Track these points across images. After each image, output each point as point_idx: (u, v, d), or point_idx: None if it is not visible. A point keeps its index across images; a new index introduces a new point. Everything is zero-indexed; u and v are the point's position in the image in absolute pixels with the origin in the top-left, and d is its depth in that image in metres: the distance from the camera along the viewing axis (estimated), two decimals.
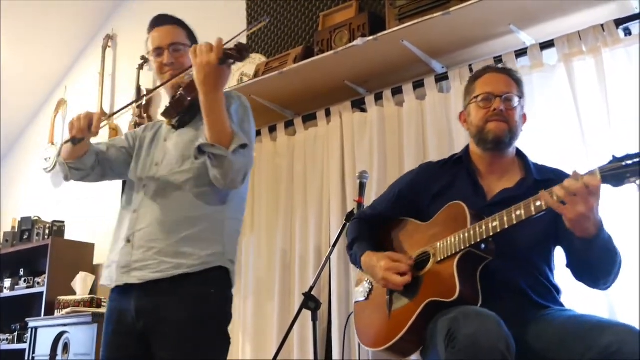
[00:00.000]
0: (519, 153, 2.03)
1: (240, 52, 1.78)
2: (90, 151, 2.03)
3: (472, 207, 1.83)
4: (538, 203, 1.61)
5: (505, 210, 1.68)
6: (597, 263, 1.70)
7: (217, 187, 1.88)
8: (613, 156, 1.51)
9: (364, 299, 2.08)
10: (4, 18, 4.80)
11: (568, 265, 1.84)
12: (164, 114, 2.04)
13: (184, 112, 2.02)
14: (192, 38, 2.13)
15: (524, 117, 2.03)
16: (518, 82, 2.01)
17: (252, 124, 2.02)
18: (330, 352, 2.95)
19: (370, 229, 2.15)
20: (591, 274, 1.77)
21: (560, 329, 1.63)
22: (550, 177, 1.88)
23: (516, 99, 1.96)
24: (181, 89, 1.97)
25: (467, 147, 2.07)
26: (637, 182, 1.45)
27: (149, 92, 1.94)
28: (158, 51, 2.06)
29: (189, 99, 1.95)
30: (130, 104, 2.01)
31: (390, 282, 1.87)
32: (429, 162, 2.17)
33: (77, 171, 2.04)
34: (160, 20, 2.11)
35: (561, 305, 1.84)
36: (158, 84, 2.13)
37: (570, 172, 1.59)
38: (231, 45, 1.82)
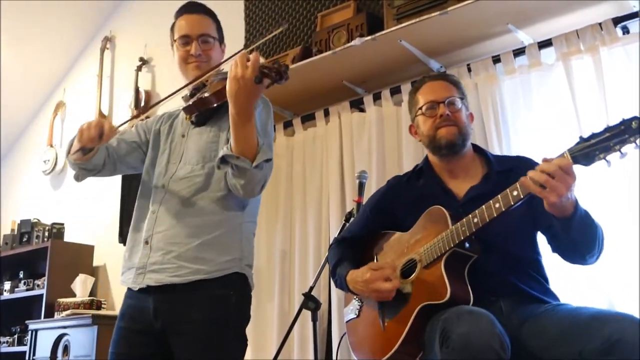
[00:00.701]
0: (476, 149, 2.04)
1: (279, 74, 1.63)
2: (100, 149, 1.96)
3: (449, 210, 1.84)
4: (515, 192, 1.63)
5: (484, 205, 1.69)
6: (580, 239, 1.71)
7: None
8: (580, 137, 1.55)
9: (355, 316, 2.06)
10: (3, 19, 4.80)
11: (554, 250, 1.85)
12: (187, 110, 1.95)
13: (206, 111, 1.96)
14: (221, 32, 2.07)
15: (470, 116, 2.04)
16: (457, 85, 2.03)
17: (272, 126, 2.00)
18: (330, 352, 2.95)
19: (350, 250, 2.13)
20: (576, 251, 1.77)
21: (559, 324, 1.63)
22: (513, 165, 1.90)
23: (458, 101, 1.98)
24: (209, 91, 1.89)
25: (427, 158, 2.07)
26: (606, 157, 1.49)
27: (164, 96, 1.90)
28: (186, 39, 1.98)
29: (215, 105, 1.88)
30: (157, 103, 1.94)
31: (380, 290, 1.84)
32: (397, 176, 2.16)
33: (88, 171, 2.00)
34: (192, 8, 2.04)
35: (553, 294, 1.85)
36: (184, 74, 2.01)
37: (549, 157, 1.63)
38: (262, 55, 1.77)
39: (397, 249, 1.97)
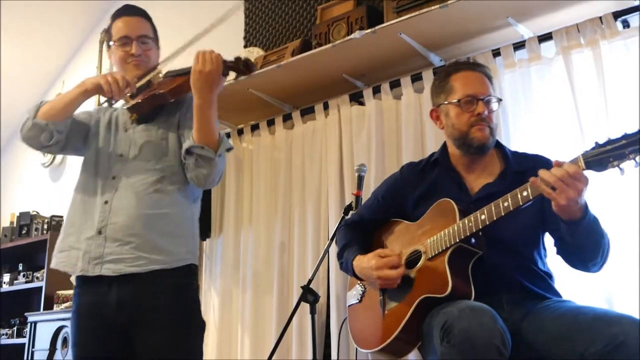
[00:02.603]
0: (496, 144, 2.01)
1: (247, 67, 1.91)
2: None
3: (459, 205, 1.84)
4: (524, 193, 1.63)
5: (492, 203, 1.69)
6: (585, 244, 1.71)
7: (188, 185, 1.98)
8: (595, 142, 1.53)
9: (357, 301, 2.08)
10: (2, 13, 4.79)
11: (558, 252, 1.85)
12: (133, 108, 2.02)
13: (154, 109, 2.04)
14: (156, 33, 2.16)
15: None
16: (491, 80, 2.00)
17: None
18: (328, 345, 2.95)
19: (358, 234, 2.15)
20: (579, 256, 1.77)
21: (561, 322, 1.63)
22: (530, 166, 1.89)
23: (495, 101, 1.95)
24: (162, 88, 1.99)
25: (444, 148, 2.04)
26: (620, 165, 1.47)
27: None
28: (125, 40, 2.07)
29: (172, 100, 2.00)
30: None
31: (385, 278, 1.86)
32: (411, 163, 2.15)
33: (59, 134, 2.01)
34: (129, 11, 2.13)
35: (556, 292, 1.85)
36: (115, 71, 2.10)
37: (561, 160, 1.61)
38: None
39: (403, 239, 1.98)
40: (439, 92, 2.02)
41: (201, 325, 1.99)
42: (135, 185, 1.95)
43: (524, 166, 1.92)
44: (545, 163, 1.88)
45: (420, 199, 1.99)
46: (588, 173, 1.55)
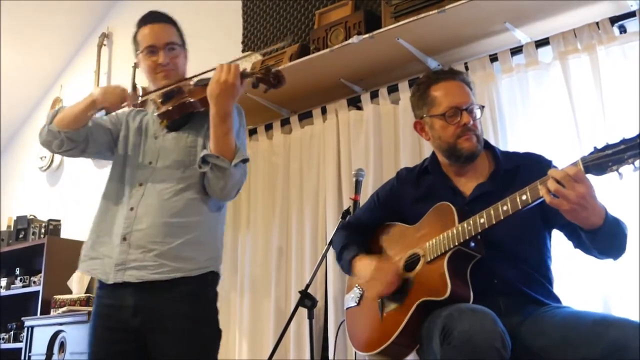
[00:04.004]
0: (485, 145, 2.00)
1: (277, 79, 1.89)
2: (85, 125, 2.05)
3: (457, 207, 1.84)
4: (524, 197, 1.62)
5: (492, 206, 1.69)
6: (608, 246, 1.70)
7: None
8: (594, 147, 1.53)
9: (355, 304, 2.07)
10: (1, 16, 4.79)
11: (576, 246, 1.84)
12: (164, 115, 2.02)
13: (184, 117, 2.03)
14: (183, 38, 2.13)
15: None
16: (470, 86, 1.98)
17: (245, 133, 2.11)
18: (326, 350, 2.95)
19: (356, 236, 2.15)
20: (602, 254, 1.76)
21: (560, 326, 1.62)
22: (521, 163, 1.89)
23: (477, 109, 1.94)
24: (192, 97, 1.99)
25: (434, 157, 2.04)
26: (619, 170, 1.47)
27: (146, 92, 1.96)
28: (152, 49, 2.04)
29: (202, 110, 1.98)
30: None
31: (381, 285, 1.89)
32: (406, 168, 2.15)
33: (71, 142, 2.03)
34: (155, 17, 2.09)
35: (555, 297, 1.85)
36: (148, 82, 2.12)
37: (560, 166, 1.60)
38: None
39: (402, 242, 1.98)
40: (421, 105, 1.99)
41: (218, 333, 1.96)
42: (162, 192, 1.95)
43: (515, 163, 1.92)
44: (537, 160, 1.89)
45: (417, 202, 1.99)
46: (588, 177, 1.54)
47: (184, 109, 2.00)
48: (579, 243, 1.82)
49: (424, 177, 2.04)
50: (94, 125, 2.09)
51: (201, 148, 1.99)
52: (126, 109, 2.18)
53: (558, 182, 1.53)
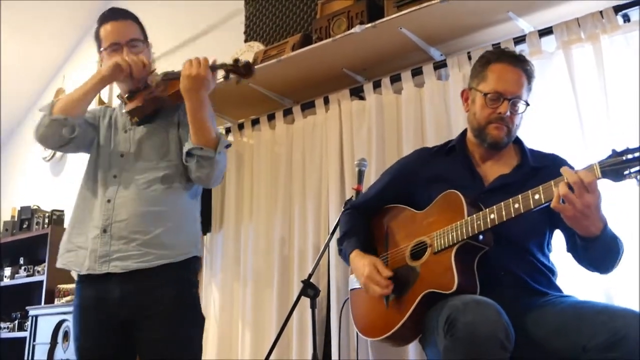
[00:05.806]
0: (514, 139, 2.00)
1: (247, 69, 1.96)
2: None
3: (470, 194, 1.83)
4: (537, 196, 1.61)
5: (503, 203, 1.68)
6: (600, 259, 1.71)
7: (188, 183, 2.03)
8: (613, 150, 1.50)
9: (360, 286, 2.09)
10: (2, 6, 4.78)
11: (569, 251, 1.85)
12: (136, 111, 2.05)
13: (155, 111, 2.07)
14: (144, 33, 2.15)
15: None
16: (529, 79, 1.94)
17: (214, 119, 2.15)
18: (329, 339, 2.96)
19: (362, 221, 2.15)
20: (591, 266, 1.78)
21: (563, 315, 1.63)
22: (546, 164, 1.88)
23: (522, 105, 1.91)
24: (162, 91, 2.03)
25: (463, 135, 2.05)
26: (638, 177, 1.44)
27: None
28: (115, 47, 2.06)
29: (176, 104, 2.04)
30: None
31: (369, 290, 1.91)
32: (424, 148, 2.16)
33: (79, 127, 2.03)
34: (117, 14, 2.11)
35: (558, 289, 1.85)
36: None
37: (567, 159, 1.59)
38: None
39: (409, 228, 1.97)
40: (475, 76, 1.98)
41: (202, 318, 2.02)
42: (138, 183, 1.99)
43: (542, 163, 1.91)
44: (561, 163, 1.85)
45: (430, 182, 1.98)
46: (602, 182, 1.51)
47: (153, 104, 2.04)
48: (572, 248, 1.82)
49: (445, 157, 2.03)
50: (83, 120, 2.10)
51: (174, 139, 2.04)
52: (97, 107, 2.23)
53: (569, 186, 1.51)
